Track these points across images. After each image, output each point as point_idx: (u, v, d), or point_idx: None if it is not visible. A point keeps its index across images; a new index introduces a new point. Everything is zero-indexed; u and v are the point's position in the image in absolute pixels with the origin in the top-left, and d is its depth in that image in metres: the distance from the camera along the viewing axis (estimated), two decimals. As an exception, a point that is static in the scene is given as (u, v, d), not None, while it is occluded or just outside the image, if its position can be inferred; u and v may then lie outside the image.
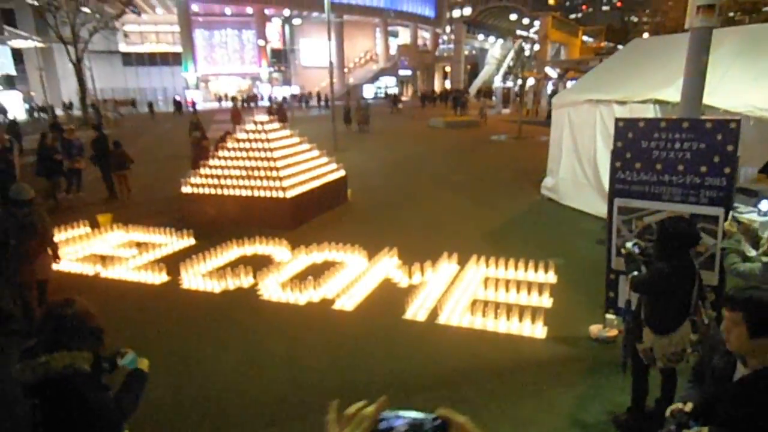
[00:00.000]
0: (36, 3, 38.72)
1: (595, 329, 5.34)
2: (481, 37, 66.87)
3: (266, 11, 55.35)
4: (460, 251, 7.46)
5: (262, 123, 10.32)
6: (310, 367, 4.99)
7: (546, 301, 6.17)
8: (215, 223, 9.50)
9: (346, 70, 60.87)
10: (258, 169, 9.67)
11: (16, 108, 42.56)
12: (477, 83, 61.19)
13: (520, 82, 42.67)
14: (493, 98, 38.68)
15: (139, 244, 8.67)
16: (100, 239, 9.02)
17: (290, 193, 9.38)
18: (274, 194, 9.36)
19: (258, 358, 5.17)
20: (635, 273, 3.80)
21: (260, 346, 5.40)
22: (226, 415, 4.27)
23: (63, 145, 12.16)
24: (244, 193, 9.55)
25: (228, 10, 56.63)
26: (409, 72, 63.23)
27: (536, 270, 6.92)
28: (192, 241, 8.78)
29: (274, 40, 58.79)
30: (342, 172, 11.29)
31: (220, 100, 51.80)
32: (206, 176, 9.94)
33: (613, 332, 5.21)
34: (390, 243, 7.90)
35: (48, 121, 24.54)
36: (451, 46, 66.20)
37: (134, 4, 46.08)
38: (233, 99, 36.09)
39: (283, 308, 6.34)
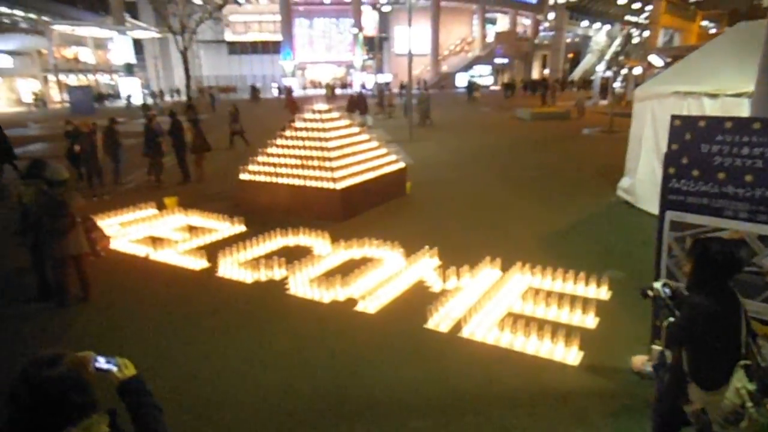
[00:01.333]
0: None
1: (638, 361, 4.58)
2: (584, 23, 63.00)
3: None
4: (509, 256, 6.81)
5: (320, 112, 10.20)
6: (312, 373, 4.71)
7: (590, 321, 5.44)
8: (268, 211, 9.55)
9: (440, 57, 59.96)
10: (312, 158, 9.57)
11: (135, 93, 46.59)
12: (577, 72, 57.81)
13: (624, 71, 39.54)
14: (592, 89, 36.04)
15: (191, 229, 8.90)
16: (162, 222, 9.38)
17: (341, 185, 9.17)
18: (326, 185, 9.21)
19: (263, 359, 4.99)
20: (671, 319, 3.07)
21: (269, 345, 5.22)
22: (210, 421, 4.11)
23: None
24: (297, 182, 9.49)
25: None
26: (505, 60, 60.91)
27: (587, 283, 6.14)
28: (242, 228, 8.86)
29: (369, 28, 59.30)
30: (402, 165, 10.92)
31: (314, 87, 53.17)
32: (263, 164, 10.03)
33: (659, 367, 4.43)
34: (437, 242, 7.44)
35: (184, 105, 27.04)
36: (552, 33, 62.86)
37: (238, -6, 48.44)
38: (327, 86, 36.46)
39: (306, 305, 6.13)
